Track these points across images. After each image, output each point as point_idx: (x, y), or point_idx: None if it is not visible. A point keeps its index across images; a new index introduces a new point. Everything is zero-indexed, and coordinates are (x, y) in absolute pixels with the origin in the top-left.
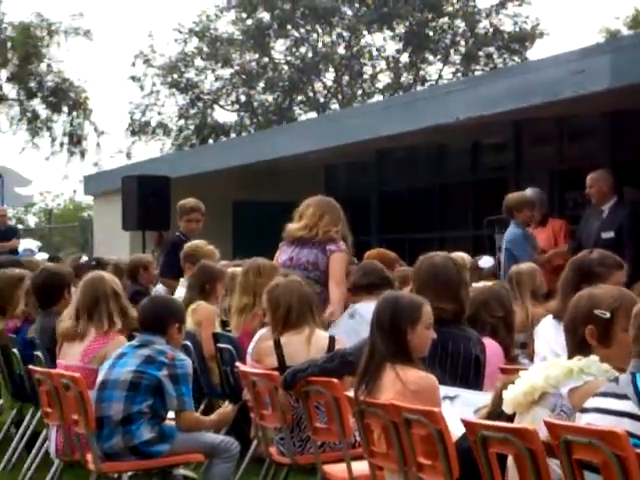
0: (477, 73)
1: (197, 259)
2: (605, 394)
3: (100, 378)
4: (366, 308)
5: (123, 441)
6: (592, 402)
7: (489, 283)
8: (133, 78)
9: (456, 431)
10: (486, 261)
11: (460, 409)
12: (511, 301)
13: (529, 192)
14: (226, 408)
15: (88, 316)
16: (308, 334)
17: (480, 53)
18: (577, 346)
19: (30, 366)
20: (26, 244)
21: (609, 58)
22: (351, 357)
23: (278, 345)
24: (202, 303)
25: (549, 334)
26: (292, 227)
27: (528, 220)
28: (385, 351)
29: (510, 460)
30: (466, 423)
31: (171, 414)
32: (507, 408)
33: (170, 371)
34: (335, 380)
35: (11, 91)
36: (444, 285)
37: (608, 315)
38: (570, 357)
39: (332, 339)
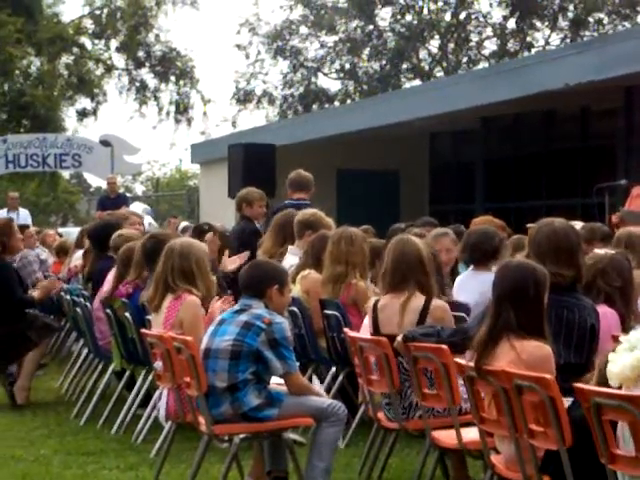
0: (586, 39)
1: (317, 228)
2: None
3: (203, 346)
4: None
5: (232, 408)
6: None
7: (611, 251)
8: (238, 46)
9: None
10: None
11: None
12: (632, 272)
13: None
14: None
15: (164, 285)
16: (406, 298)
17: (589, 19)
18: None
19: (143, 330)
20: (135, 207)
21: None
22: (472, 333)
23: (375, 309)
24: (312, 272)
25: None
26: None
27: None
28: (513, 321)
29: (620, 428)
30: (579, 390)
31: (275, 379)
32: (613, 382)
33: (268, 336)
34: (444, 346)
35: (120, 61)
36: (564, 251)
37: None
38: None
39: (427, 303)
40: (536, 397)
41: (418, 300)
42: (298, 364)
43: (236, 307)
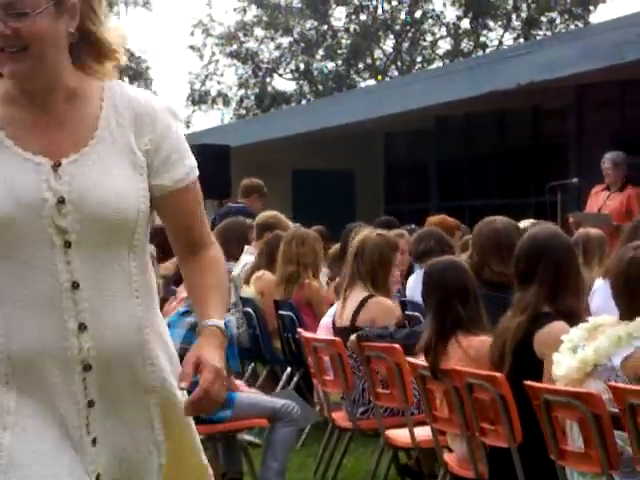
0: (539, 39)
1: (275, 230)
2: None
3: None
4: None
5: None
6: None
7: None
8: (192, 48)
9: None
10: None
11: None
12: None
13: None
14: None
15: None
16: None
17: (542, 18)
18: (632, 305)
19: None
20: None
21: None
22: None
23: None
24: (266, 273)
25: (603, 293)
26: None
27: None
28: (463, 318)
29: (569, 425)
30: (529, 387)
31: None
32: (560, 384)
33: None
34: (396, 345)
35: None
36: (507, 249)
37: None
38: (622, 318)
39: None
40: (487, 395)
41: (361, 294)
42: (252, 365)
43: (182, 308)
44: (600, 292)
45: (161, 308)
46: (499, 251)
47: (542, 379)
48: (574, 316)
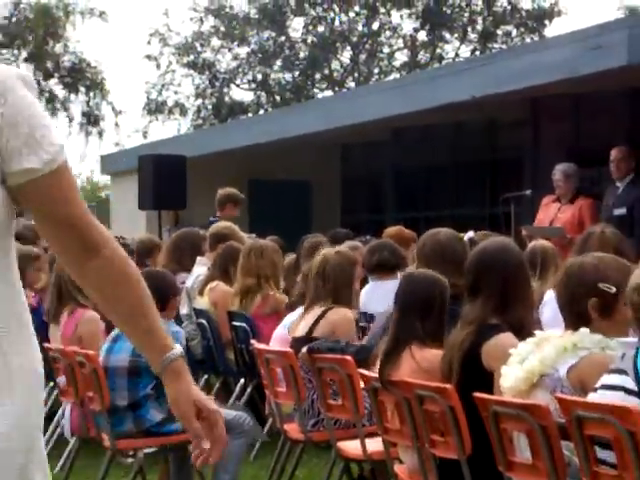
0: (495, 51)
1: (227, 240)
2: (611, 371)
3: (100, 364)
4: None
5: (135, 426)
6: (602, 380)
7: None
8: (149, 57)
9: None
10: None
11: None
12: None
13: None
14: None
15: (57, 298)
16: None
17: (498, 31)
18: (576, 318)
19: (46, 344)
20: None
21: (626, 34)
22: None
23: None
24: (220, 284)
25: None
26: None
27: None
28: (419, 331)
29: (516, 436)
30: (478, 399)
31: None
32: (508, 395)
33: None
34: (348, 357)
35: (28, 72)
36: (451, 261)
37: (614, 290)
38: (567, 328)
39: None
40: (437, 407)
41: (321, 307)
42: (206, 377)
43: None
44: (550, 304)
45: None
46: (444, 263)
47: (491, 390)
48: (523, 328)
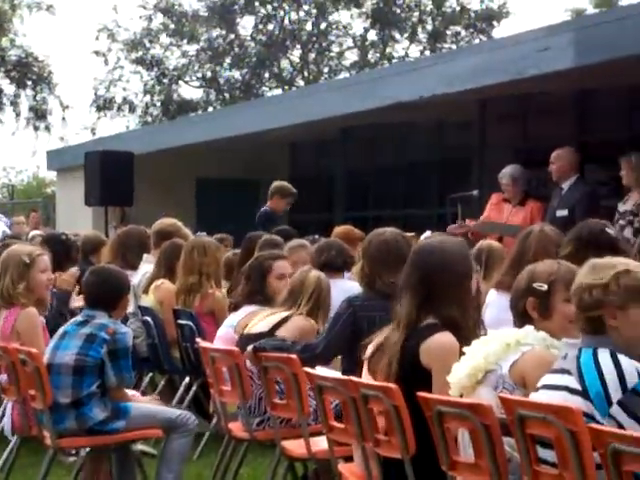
0: (444, 52)
1: (172, 238)
2: (554, 371)
3: (45, 360)
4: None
5: (77, 424)
6: (544, 379)
7: None
8: (97, 53)
9: None
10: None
11: None
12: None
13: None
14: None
15: None
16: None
17: (447, 32)
18: (520, 319)
19: None
20: None
21: (573, 36)
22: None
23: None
24: (166, 282)
25: (496, 306)
26: None
27: None
28: None
29: (460, 435)
30: (421, 398)
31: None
32: (454, 392)
33: (110, 347)
34: (293, 356)
35: None
36: (397, 260)
37: (545, 287)
38: (516, 326)
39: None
40: (382, 406)
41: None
42: (151, 375)
43: (79, 318)
44: (492, 305)
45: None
46: (389, 262)
47: (431, 389)
48: (460, 329)
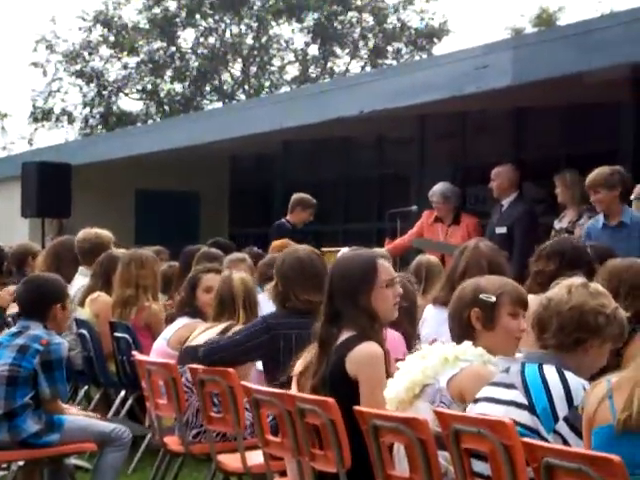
0: (385, 68)
1: (100, 249)
2: (496, 384)
3: None
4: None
5: (10, 436)
6: (484, 392)
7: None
8: (35, 64)
9: None
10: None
11: None
12: (415, 293)
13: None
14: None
15: None
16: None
17: (388, 48)
18: (462, 331)
19: None
20: None
21: (512, 54)
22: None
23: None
24: (102, 294)
25: (433, 321)
26: None
27: None
28: None
29: (396, 449)
30: (358, 412)
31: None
32: (391, 406)
33: (43, 358)
34: (230, 370)
35: None
36: (311, 278)
37: (493, 299)
38: (456, 342)
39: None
40: (318, 420)
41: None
42: (86, 388)
43: (14, 329)
44: (430, 321)
45: None
46: (303, 280)
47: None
48: (370, 337)
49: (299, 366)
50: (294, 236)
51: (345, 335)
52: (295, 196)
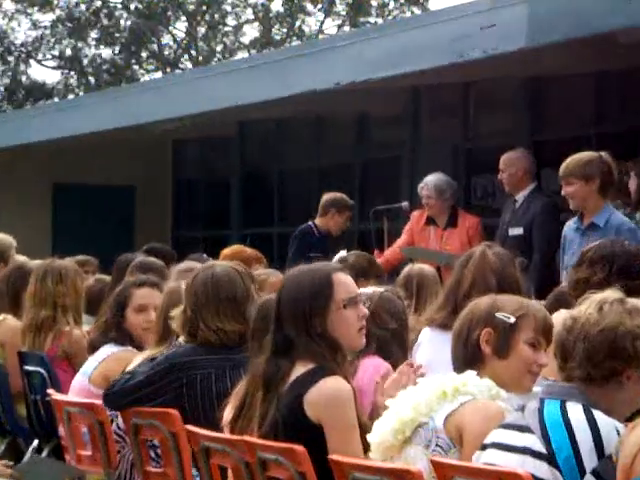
0: (367, 27)
1: (2, 257)
2: (508, 426)
3: None
4: None
5: None
6: (493, 436)
7: (379, 289)
8: None
9: None
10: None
11: None
12: (406, 312)
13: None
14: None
15: None
16: None
17: (372, 2)
18: (468, 356)
19: None
20: None
21: (526, 9)
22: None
23: None
24: (9, 318)
25: (430, 345)
26: None
27: None
28: None
29: None
30: (335, 462)
31: None
32: (376, 455)
33: None
34: (173, 411)
35: None
36: (227, 302)
37: (512, 320)
38: (458, 371)
39: None
40: (285, 472)
41: None
42: None
43: None
44: (426, 345)
45: None
46: (217, 304)
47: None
48: (333, 370)
49: (229, 414)
50: (319, 246)
51: (300, 370)
52: (327, 196)
